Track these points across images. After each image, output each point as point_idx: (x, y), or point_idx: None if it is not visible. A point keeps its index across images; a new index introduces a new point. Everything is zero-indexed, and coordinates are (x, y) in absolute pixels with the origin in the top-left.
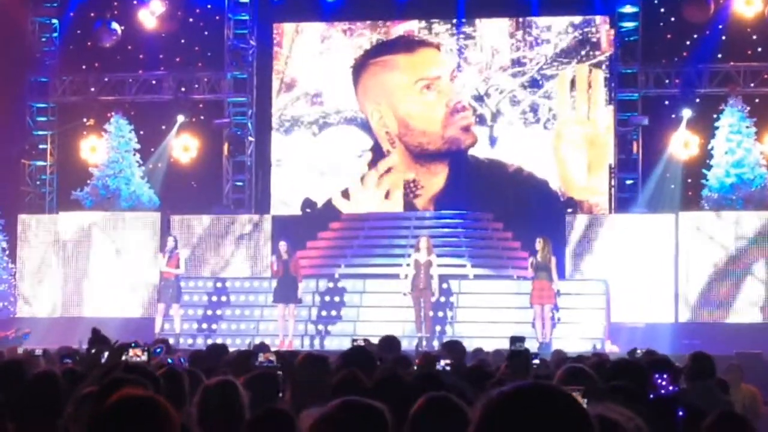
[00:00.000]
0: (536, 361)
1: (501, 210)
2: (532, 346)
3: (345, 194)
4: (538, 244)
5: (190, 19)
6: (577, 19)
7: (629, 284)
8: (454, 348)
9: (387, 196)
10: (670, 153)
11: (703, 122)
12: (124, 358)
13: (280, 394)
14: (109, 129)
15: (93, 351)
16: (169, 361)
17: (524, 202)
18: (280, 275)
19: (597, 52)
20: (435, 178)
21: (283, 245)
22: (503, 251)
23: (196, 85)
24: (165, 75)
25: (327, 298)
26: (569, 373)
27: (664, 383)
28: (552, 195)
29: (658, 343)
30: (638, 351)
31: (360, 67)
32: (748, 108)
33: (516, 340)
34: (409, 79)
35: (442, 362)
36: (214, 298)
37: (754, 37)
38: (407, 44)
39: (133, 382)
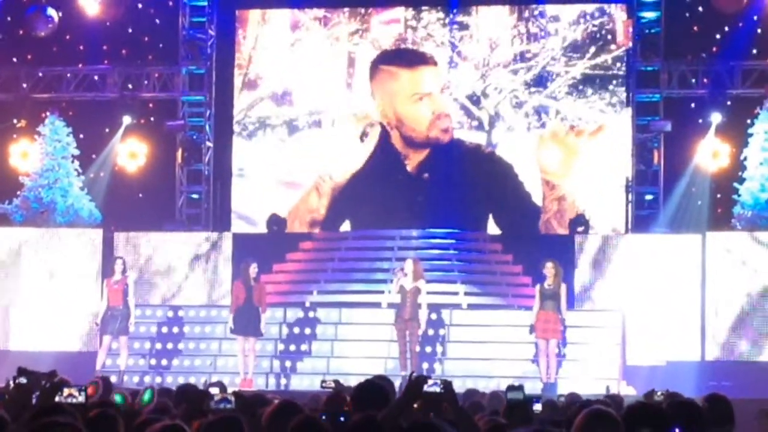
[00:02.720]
0: (538, 407)
1: (499, 227)
2: (535, 386)
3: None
4: (550, 269)
5: (139, 5)
6: (590, 8)
7: (648, 316)
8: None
9: (361, 138)
10: (696, 164)
11: (735, 128)
12: (57, 399)
13: None
14: (44, 132)
15: (22, 384)
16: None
17: (526, 218)
18: (241, 302)
19: (612, 47)
20: (420, 154)
21: (254, 268)
22: (502, 277)
23: (146, 82)
24: (109, 70)
25: (296, 330)
26: (592, 418)
27: None
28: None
29: (681, 385)
30: (657, 393)
31: (374, 68)
32: None
33: (513, 389)
34: (407, 90)
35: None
36: (165, 330)
37: None
38: (409, 60)
39: (67, 425)
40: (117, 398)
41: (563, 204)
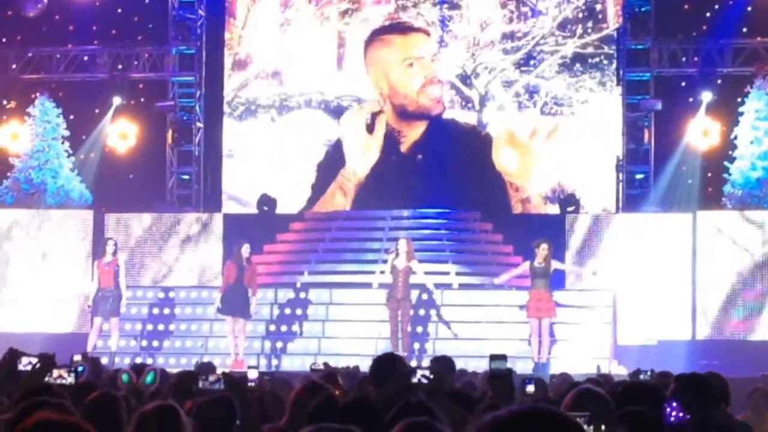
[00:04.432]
0: (531, 388)
1: (489, 208)
2: (526, 366)
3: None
4: (542, 249)
5: None
6: None
7: (639, 295)
8: (440, 365)
9: (369, 129)
10: (686, 143)
11: (726, 107)
12: (46, 380)
13: (238, 423)
14: (34, 113)
15: (7, 358)
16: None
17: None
18: (231, 281)
19: (603, 25)
20: (414, 131)
21: (246, 249)
22: (493, 256)
23: (136, 62)
24: (99, 50)
25: (287, 311)
26: (580, 396)
27: (674, 412)
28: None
29: (673, 364)
30: (645, 372)
31: (369, 40)
32: None
33: (496, 358)
34: (399, 56)
35: (419, 373)
36: (156, 311)
37: None
38: (403, 29)
39: (57, 406)
40: (123, 377)
41: (528, 206)
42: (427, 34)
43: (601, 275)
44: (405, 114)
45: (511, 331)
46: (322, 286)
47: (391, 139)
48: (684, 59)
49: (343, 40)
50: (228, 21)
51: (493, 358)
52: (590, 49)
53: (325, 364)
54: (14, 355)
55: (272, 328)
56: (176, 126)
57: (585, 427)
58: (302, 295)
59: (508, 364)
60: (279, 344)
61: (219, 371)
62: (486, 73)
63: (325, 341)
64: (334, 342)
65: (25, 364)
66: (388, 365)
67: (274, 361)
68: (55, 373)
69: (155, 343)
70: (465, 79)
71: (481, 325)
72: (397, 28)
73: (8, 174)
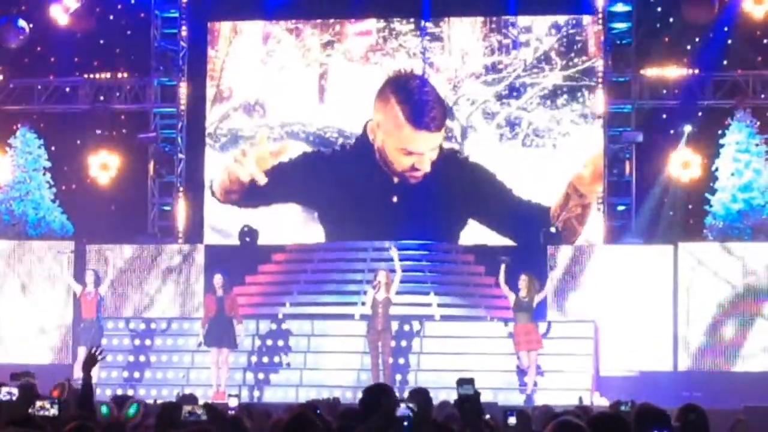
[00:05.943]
0: (512, 420)
1: (471, 239)
2: (509, 398)
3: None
4: (522, 282)
5: (111, 17)
6: (562, 19)
7: (621, 326)
8: (420, 397)
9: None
10: (668, 174)
11: (707, 139)
12: (30, 411)
13: None
14: (15, 144)
15: None
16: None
17: (501, 230)
18: (212, 314)
19: (584, 57)
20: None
21: (218, 279)
22: (475, 288)
23: (117, 94)
24: (81, 81)
25: (269, 342)
26: (560, 428)
27: None
28: (530, 222)
29: (654, 395)
30: (625, 404)
31: (388, 90)
32: (758, 123)
33: (464, 382)
34: (401, 142)
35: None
36: (137, 342)
37: (765, 41)
38: (418, 119)
39: None
40: (103, 409)
41: (587, 210)
42: (438, 129)
43: (583, 306)
44: (385, 164)
45: (494, 363)
46: (303, 318)
47: (374, 171)
48: (665, 91)
49: (325, 71)
50: (210, 52)
51: (461, 382)
52: (572, 81)
53: (335, 398)
54: None
55: (254, 359)
56: (158, 157)
57: None
58: (284, 326)
59: (498, 398)
60: (261, 376)
61: (201, 402)
62: (468, 104)
63: (306, 372)
64: (316, 373)
65: (4, 393)
66: (379, 396)
67: (256, 393)
68: (38, 404)
69: (137, 375)
70: (447, 110)
71: (463, 357)
72: (414, 113)
73: None
